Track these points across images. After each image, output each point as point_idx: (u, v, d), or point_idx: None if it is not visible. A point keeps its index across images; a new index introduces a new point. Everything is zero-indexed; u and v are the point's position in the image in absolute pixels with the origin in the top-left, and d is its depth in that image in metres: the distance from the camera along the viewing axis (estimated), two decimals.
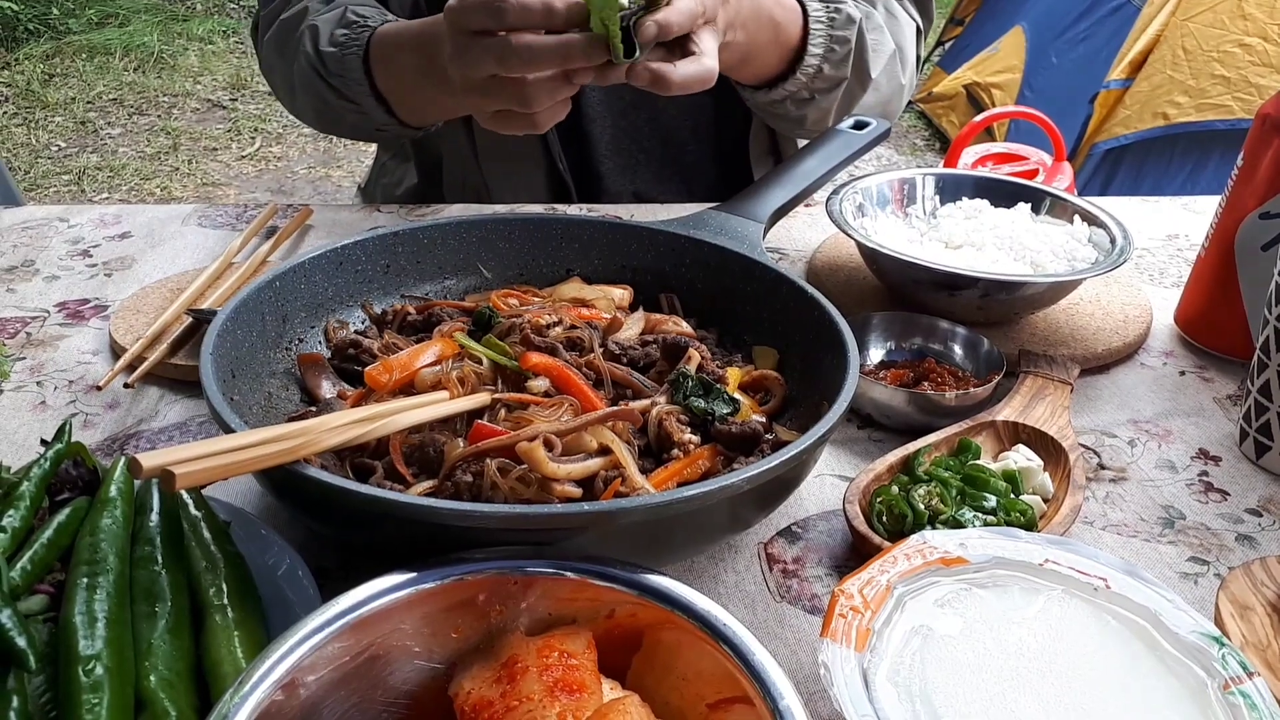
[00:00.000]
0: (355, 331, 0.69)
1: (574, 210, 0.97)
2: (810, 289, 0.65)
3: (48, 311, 0.76)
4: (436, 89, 0.78)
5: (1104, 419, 0.68)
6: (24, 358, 0.70)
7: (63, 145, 3.30)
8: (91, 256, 0.84)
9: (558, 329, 0.64)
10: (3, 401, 0.66)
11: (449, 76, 0.71)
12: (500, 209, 0.97)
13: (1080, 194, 1.13)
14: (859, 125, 0.87)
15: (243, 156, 3.31)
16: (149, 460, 0.42)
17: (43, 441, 0.51)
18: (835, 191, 0.82)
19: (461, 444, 0.55)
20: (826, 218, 0.80)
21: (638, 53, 0.66)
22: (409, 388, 0.61)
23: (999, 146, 1.59)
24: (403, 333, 0.69)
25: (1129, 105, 2.33)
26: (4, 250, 0.85)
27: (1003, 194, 0.83)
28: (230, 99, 3.66)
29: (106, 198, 3.00)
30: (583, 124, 1.01)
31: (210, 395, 0.50)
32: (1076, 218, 0.80)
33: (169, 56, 3.88)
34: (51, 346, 0.72)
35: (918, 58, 1.01)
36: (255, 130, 3.48)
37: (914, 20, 0.99)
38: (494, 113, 0.72)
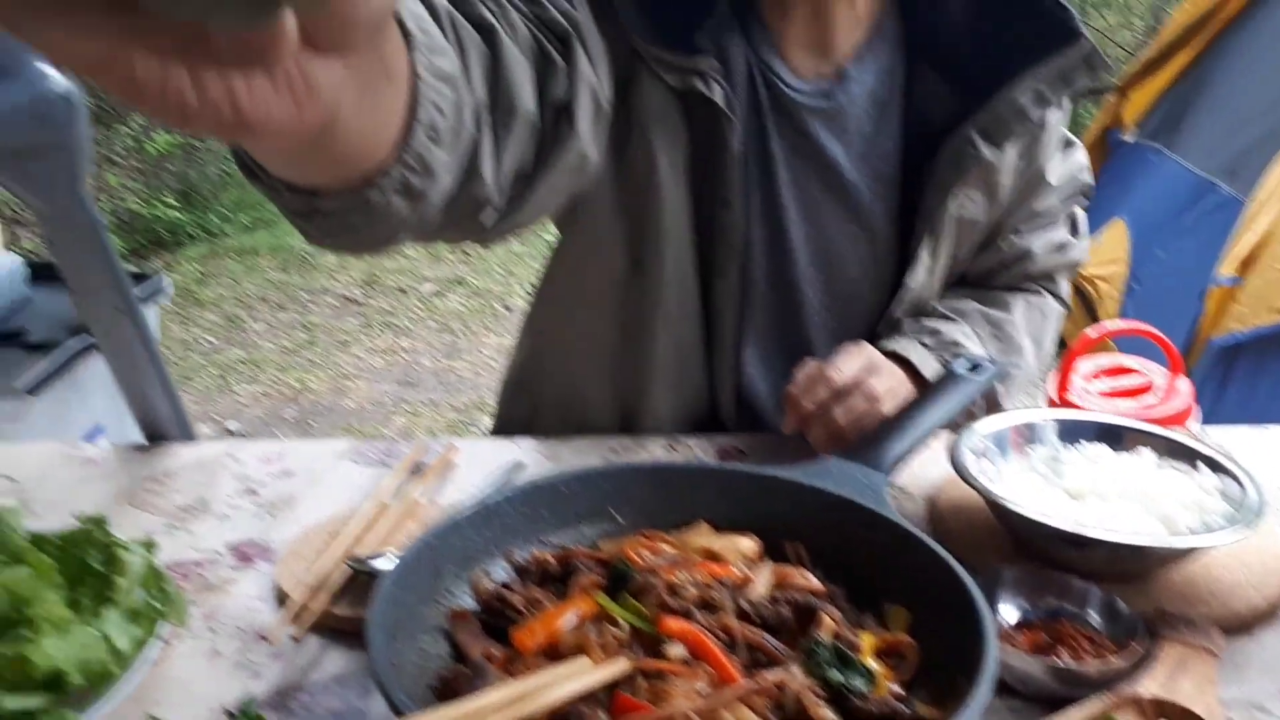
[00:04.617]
0: (500, 583, 0.73)
1: (700, 453, 1.01)
2: (941, 552, 0.66)
3: (219, 553, 0.83)
4: None
5: (1253, 689, 0.66)
6: (199, 604, 0.76)
7: (213, 341, 3.58)
8: (258, 495, 0.92)
9: (691, 588, 0.67)
10: (181, 649, 0.71)
11: None
12: (624, 445, 1.02)
13: (1199, 391, 1.12)
14: (974, 368, 0.91)
15: (373, 350, 3.54)
16: None
17: (228, 714, 0.55)
18: (956, 433, 0.84)
19: (603, 716, 0.57)
20: (945, 452, 0.83)
21: None
22: (553, 647, 0.64)
23: (1113, 359, 1.59)
24: (543, 584, 0.73)
25: (1242, 301, 2.31)
26: (180, 488, 0.93)
27: (1124, 438, 0.84)
28: (364, 295, 3.94)
29: (249, 389, 3.22)
30: (743, 365, 1.04)
31: (383, 677, 0.54)
32: (1200, 463, 0.80)
33: (309, 255, 4.23)
34: (223, 591, 0.78)
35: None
36: (385, 324, 3.73)
37: (1064, 307, 1.06)
38: None
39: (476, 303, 4.01)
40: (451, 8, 0.68)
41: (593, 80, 0.80)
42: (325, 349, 3.54)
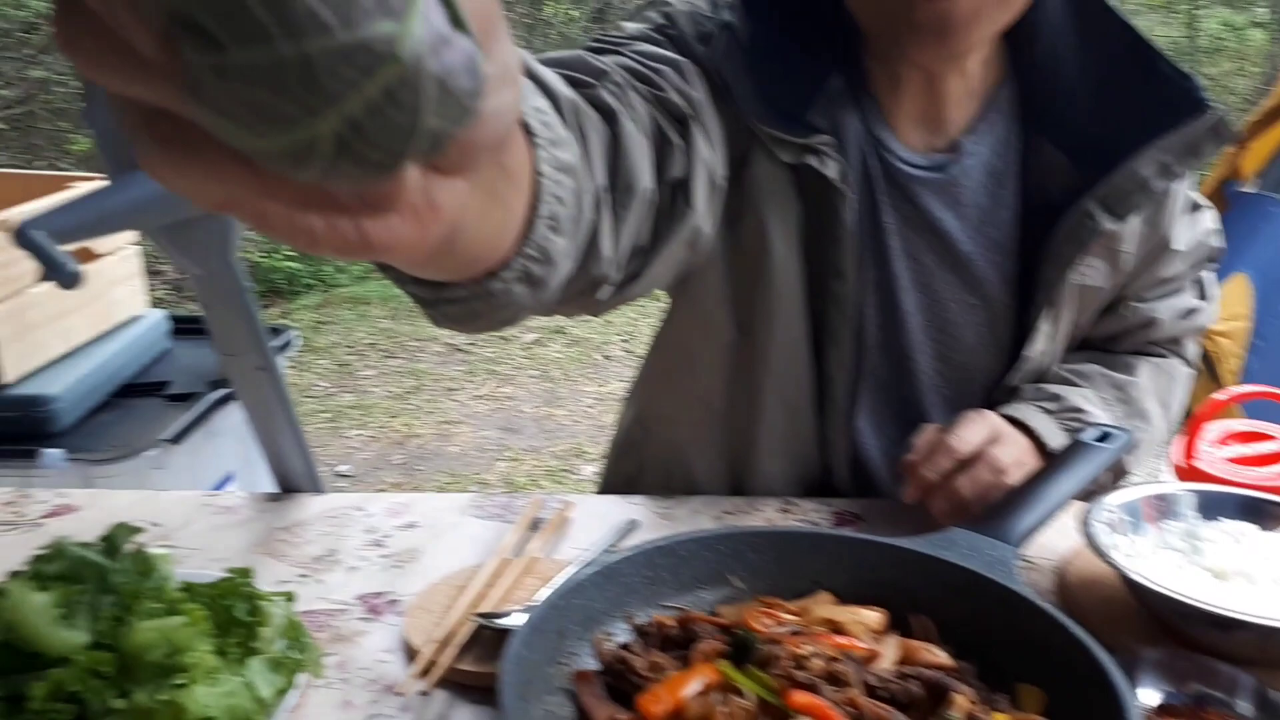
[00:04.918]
0: (620, 645, 0.74)
1: (815, 516, 1.00)
2: (1079, 631, 0.64)
3: (349, 604, 0.86)
4: None
5: None
6: (332, 654, 0.79)
7: (325, 386, 3.72)
8: (384, 547, 0.95)
9: (817, 661, 0.67)
10: (316, 698, 0.74)
11: None
12: (737, 506, 1.02)
13: None
14: (1103, 437, 0.88)
15: (477, 396, 3.62)
16: None
17: None
18: (1086, 504, 0.82)
19: None
20: (1072, 521, 0.81)
21: None
22: (678, 714, 0.64)
23: (1242, 424, 1.52)
24: (663, 647, 0.74)
25: None
26: (312, 539, 0.97)
27: (1269, 515, 0.80)
28: (468, 343, 4.05)
29: (359, 434, 3.33)
30: (856, 431, 1.04)
31: None
32: None
33: None
34: (353, 643, 0.81)
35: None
36: (489, 372, 3.82)
37: (1193, 368, 1.03)
38: None
39: (575, 351, 4.08)
40: (575, 94, 0.71)
41: (708, 158, 0.83)
42: (432, 395, 3.64)
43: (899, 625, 0.74)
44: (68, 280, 0.71)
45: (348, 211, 0.29)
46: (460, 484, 3.09)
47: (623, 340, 4.20)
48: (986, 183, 0.98)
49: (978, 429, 0.91)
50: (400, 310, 4.36)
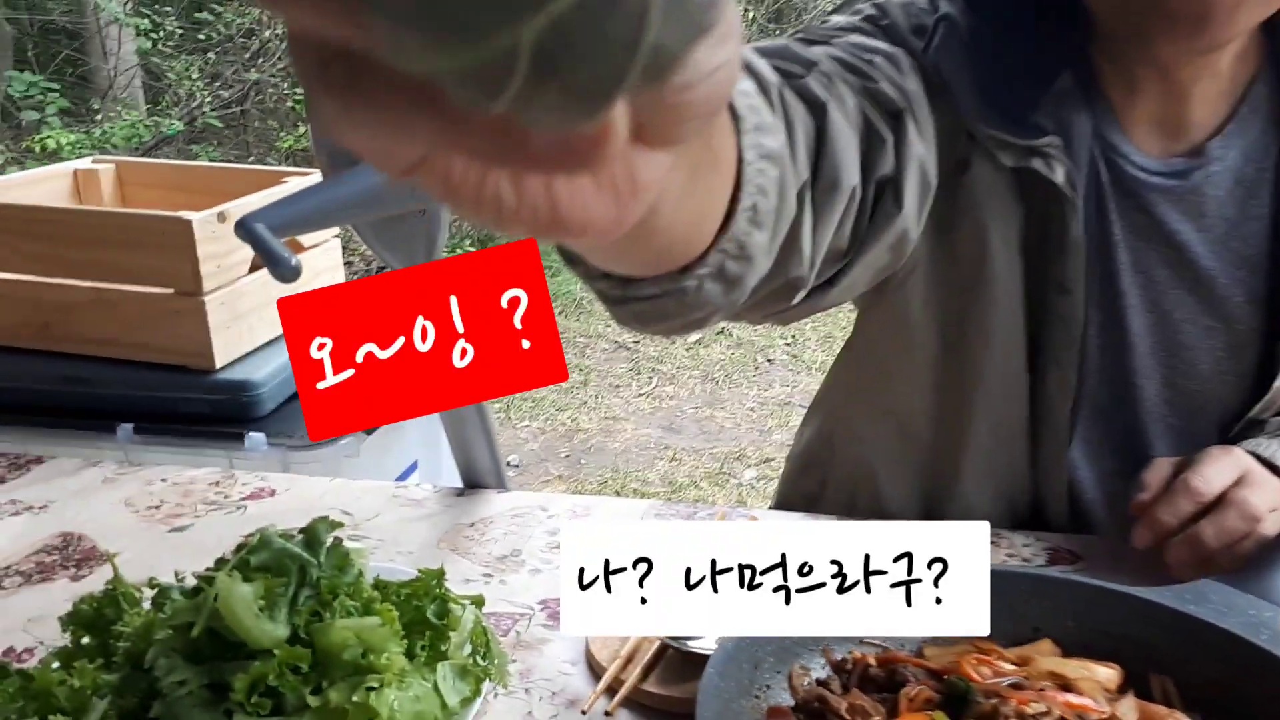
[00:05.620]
0: (817, 680, 0.69)
1: (1026, 551, 0.92)
2: None
3: (532, 609, 0.85)
4: None
5: None
6: (515, 660, 0.78)
7: None
8: None
9: None
10: (498, 706, 0.73)
11: None
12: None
13: None
14: None
15: (640, 394, 3.63)
16: None
17: None
18: None
19: None
20: None
21: None
22: None
23: None
24: (864, 687, 0.68)
25: None
26: (496, 537, 0.96)
27: None
28: (634, 341, 4.07)
29: (527, 426, 3.40)
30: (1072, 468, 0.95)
31: None
32: None
33: (588, 302, 4.43)
34: (536, 650, 0.79)
35: None
36: (653, 370, 3.82)
37: None
38: None
39: (738, 353, 4.03)
40: (782, 81, 0.66)
41: (922, 153, 0.77)
42: (597, 391, 3.67)
43: (1134, 684, 0.66)
44: (289, 274, 0.72)
45: (543, 164, 0.25)
46: (621, 480, 3.10)
47: (786, 344, 4.12)
48: (1235, 191, 0.87)
49: (1224, 468, 0.80)
50: (569, 306, 4.43)
